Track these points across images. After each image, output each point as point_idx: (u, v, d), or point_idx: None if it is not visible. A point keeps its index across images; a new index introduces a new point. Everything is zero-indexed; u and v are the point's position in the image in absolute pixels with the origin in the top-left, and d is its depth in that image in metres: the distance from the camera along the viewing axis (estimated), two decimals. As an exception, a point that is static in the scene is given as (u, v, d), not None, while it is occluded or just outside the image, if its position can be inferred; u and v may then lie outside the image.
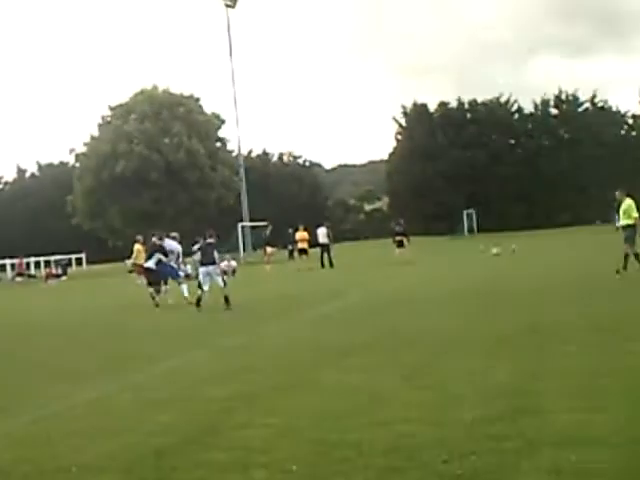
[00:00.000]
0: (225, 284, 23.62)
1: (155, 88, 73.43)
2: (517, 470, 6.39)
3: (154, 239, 27.46)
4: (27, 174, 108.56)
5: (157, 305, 25.34)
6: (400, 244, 40.83)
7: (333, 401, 9.37)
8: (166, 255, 26.24)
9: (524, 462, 6.53)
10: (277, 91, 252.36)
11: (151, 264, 26.23)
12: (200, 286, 23.34)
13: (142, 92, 72.87)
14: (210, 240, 24.02)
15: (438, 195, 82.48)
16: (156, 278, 26.37)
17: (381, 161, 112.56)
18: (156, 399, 10.26)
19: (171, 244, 27.16)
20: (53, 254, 63.19)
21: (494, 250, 39.03)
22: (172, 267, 26.57)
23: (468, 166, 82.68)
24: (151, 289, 26.14)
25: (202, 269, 23.62)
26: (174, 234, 28.76)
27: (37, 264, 65.77)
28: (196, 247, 26.70)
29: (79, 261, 73.89)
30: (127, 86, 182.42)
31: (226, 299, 22.71)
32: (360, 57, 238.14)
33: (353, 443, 7.42)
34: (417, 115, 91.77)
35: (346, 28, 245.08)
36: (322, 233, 42.28)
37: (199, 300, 22.91)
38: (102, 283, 33.65)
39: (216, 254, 23.82)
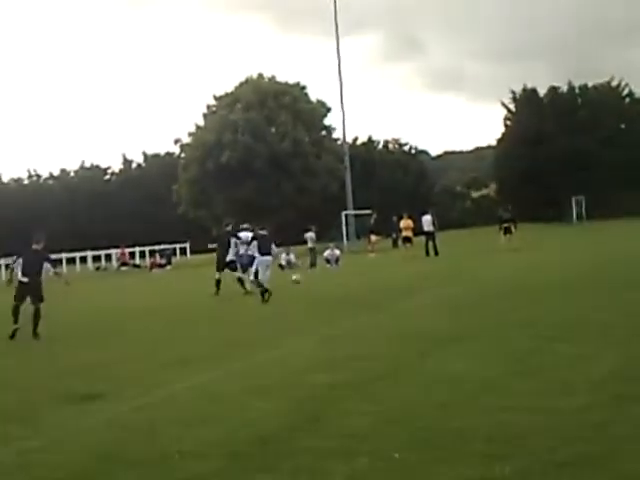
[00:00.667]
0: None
1: (261, 77, 73.63)
2: (624, 457, 6.21)
3: (228, 228, 27.69)
4: (133, 164, 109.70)
5: (246, 293, 25.47)
6: (507, 230, 40.19)
7: (437, 389, 9.30)
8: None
9: (631, 449, 6.34)
10: (382, 77, 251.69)
11: (231, 256, 26.32)
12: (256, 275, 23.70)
13: (247, 81, 73.25)
14: (263, 232, 24.40)
15: (547, 181, 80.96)
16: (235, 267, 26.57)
17: (488, 147, 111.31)
18: (260, 386, 10.28)
19: (247, 235, 27.21)
20: (158, 243, 64.16)
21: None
22: (249, 257, 26.61)
23: (578, 152, 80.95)
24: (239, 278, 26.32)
25: (262, 259, 23.83)
26: (246, 225, 29.10)
27: (142, 253, 66.78)
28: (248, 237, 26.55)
29: (183, 250, 74.76)
30: (232, 75, 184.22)
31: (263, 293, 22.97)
32: (464, 39, 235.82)
33: (456, 430, 7.37)
34: (526, 100, 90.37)
35: (446, 8, 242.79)
36: (427, 221, 41.86)
37: (264, 291, 23.01)
38: (205, 273, 33.99)
39: (273, 246, 24.27)
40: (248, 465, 6.92)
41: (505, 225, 40.24)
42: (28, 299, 18.80)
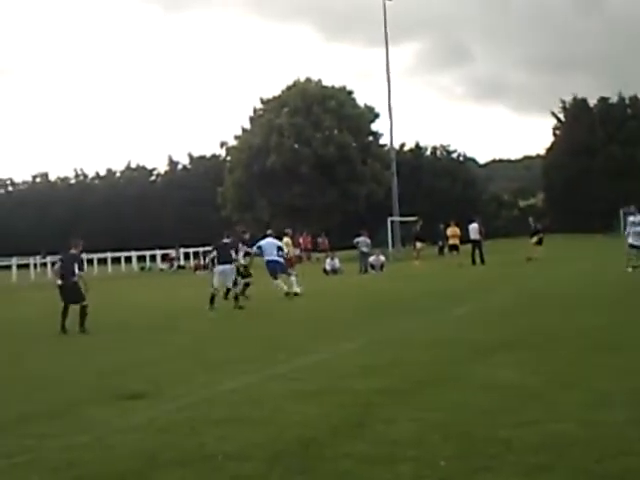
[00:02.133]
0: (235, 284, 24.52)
1: (308, 81, 73.66)
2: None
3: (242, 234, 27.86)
4: (179, 166, 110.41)
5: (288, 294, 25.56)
6: (540, 242, 41.28)
7: (481, 398, 9.23)
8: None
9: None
10: (428, 85, 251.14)
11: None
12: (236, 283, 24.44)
13: (295, 85, 73.39)
14: (227, 240, 24.70)
15: (595, 192, 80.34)
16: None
17: (537, 156, 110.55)
18: (302, 390, 10.25)
19: (274, 241, 27.30)
20: (203, 245, 64.36)
21: None
22: (280, 263, 26.64)
23: (627, 162, 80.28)
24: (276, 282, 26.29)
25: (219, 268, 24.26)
26: (270, 231, 29.44)
27: (187, 255, 67.13)
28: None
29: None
30: (280, 79, 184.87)
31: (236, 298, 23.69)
32: (509, 48, 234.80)
33: (502, 440, 7.31)
34: (576, 110, 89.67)
35: (492, 17, 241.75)
36: (474, 229, 41.66)
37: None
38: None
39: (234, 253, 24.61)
40: (291, 468, 6.88)
41: (539, 236, 41.46)
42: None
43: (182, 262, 63.08)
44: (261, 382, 11.09)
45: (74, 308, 19.28)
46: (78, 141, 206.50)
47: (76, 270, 19.90)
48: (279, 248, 26.87)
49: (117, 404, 10.13)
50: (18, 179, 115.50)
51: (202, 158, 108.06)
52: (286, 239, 42.52)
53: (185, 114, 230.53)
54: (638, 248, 27.69)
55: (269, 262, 26.37)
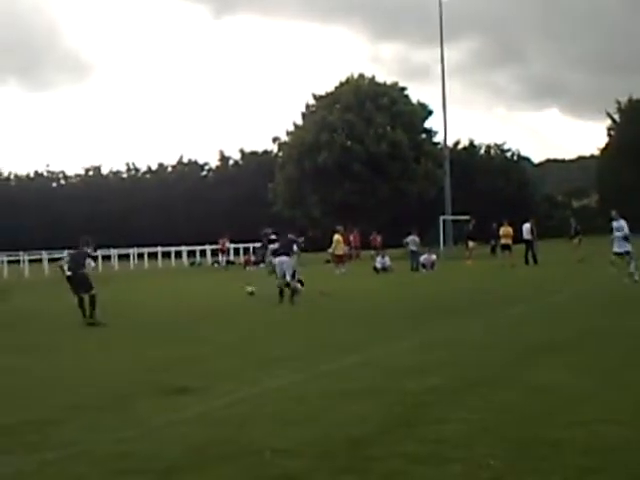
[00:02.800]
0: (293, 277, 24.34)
1: (361, 77, 73.42)
2: None
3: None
4: (230, 161, 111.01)
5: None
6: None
7: (532, 399, 9.15)
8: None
9: None
10: (481, 84, 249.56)
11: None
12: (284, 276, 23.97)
13: (348, 82, 73.12)
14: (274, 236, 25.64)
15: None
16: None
17: (591, 157, 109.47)
18: (350, 389, 10.20)
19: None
20: (253, 241, 64.42)
21: None
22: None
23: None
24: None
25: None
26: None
27: (237, 250, 67.33)
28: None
29: (277, 250, 74.59)
30: (333, 76, 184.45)
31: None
32: (563, 49, 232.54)
33: (552, 441, 7.24)
34: (632, 111, 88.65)
35: (546, 17, 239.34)
36: (527, 229, 41.36)
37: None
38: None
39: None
40: (338, 466, 6.85)
41: (579, 237, 43.46)
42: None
43: (232, 257, 63.12)
44: (310, 380, 11.06)
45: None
46: (131, 136, 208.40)
47: (86, 264, 21.28)
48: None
49: (166, 398, 10.17)
50: (70, 172, 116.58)
51: (254, 154, 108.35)
52: (337, 236, 42.44)
53: (238, 110, 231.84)
54: (620, 255, 26.87)
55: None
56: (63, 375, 12.67)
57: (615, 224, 27.12)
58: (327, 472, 6.72)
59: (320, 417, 8.73)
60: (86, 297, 20.48)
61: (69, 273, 20.89)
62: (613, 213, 27.78)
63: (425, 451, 7.13)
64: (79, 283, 20.75)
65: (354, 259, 54.18)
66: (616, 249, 26.87)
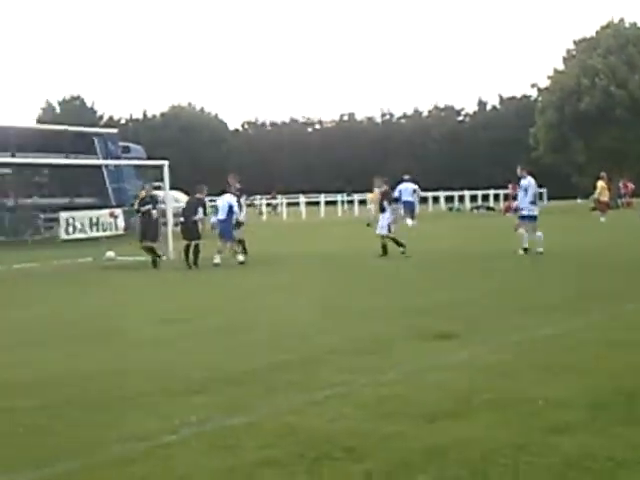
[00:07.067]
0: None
1: (622, 21, 70.59)
2: None
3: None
4: (488, 107, 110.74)
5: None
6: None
7: None
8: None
9: None
10: None
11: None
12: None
13: (608, 26, 70.48)
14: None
15: None
16: None
17: None
18: (624, 340, 9.77)
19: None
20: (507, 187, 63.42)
21: None
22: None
23: None
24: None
25: None
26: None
27: (496, 196, 66.96)
28: None
29: (540, 196, 73.44)
30: (594, 20, 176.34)
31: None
32: None
33: None
34: None
35: None
36: None
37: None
38: (564, 220, 34.03)
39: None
40: (614, 417, 6.54)
41: None
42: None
43: (492, 204, 62.76)
44: (578, 330, 10.66)
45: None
46: (386, 82, 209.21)
47: (199, 212, 21.64)
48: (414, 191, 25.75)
49: (426, 343, 10.06)
50: (327, 118, 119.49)
51: (512, 99, 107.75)
52: (601, 182, 42.29)
53: (496, 55, 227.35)
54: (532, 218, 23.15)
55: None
56: (314, 319, 12.49)
57: (524, 182, 23.95)
58: (602, 424, 6.39)
59: (592, 367, 8.39)
60: (192, 244, 21.22)
61: (182, 219, 22.00)
62: (518, 169, 24.64)
63: None
64: (188, 231, 21.53)
65: (624, 207, 53.02)
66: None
